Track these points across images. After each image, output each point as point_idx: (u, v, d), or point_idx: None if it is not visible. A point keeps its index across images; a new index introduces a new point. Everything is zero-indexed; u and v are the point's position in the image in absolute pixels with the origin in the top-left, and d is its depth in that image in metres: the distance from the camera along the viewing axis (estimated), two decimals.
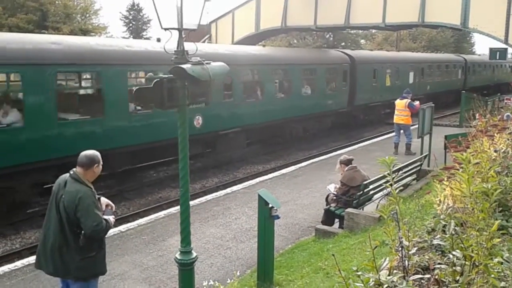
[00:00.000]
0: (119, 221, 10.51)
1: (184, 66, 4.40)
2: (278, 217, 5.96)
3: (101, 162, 4.63)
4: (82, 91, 12.93)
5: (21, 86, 10.06)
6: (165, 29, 4.66)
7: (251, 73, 16.73)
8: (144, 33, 44.55)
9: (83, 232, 4.35)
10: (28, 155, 9.96)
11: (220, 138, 15.24)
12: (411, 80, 27.15)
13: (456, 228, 3.24)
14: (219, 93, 14.46)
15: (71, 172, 4.52)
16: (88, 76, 12.42)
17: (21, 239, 9.95)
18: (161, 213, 9.51)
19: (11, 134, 9.85)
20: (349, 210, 7.47)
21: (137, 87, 4.94)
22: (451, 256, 3.01)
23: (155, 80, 4.67)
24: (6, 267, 6.98)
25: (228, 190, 11.27)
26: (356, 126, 23.21)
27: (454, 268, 2.93)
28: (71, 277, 4.52)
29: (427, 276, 3.13)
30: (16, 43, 10.09)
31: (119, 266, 6.94)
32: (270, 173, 13.68)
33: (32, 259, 7.27)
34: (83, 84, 12.56)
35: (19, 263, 7.12)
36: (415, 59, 29.79)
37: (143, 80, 12.75)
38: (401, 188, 8.74)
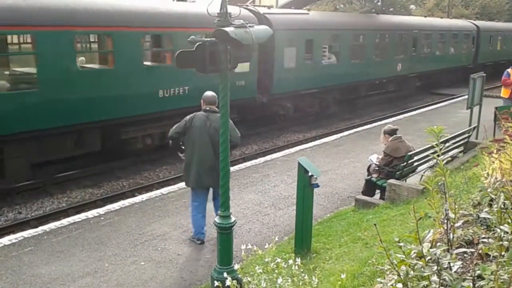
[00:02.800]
0: (161, 184, 10.75)
1: (226, 29, 4.31)
2: (317, 186, 5.89)
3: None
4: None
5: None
6: None
7: (424, 38, 23.72)
8: None
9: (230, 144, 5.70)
10: (333, 81, 17.74)
11: (405, 80, 22.90)
12: None
13: (505, 202, 3.10)
14: (410, 50, 22.32)
15: (208, 108, 6.33)
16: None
17: (67, 198, 10.33)
18: None
19: (332, 67, 17.87)
20: (392, 181, 7.29)
21: (179, 50, 4.89)
22: (498, 230, 2.88)
23: (197, 43, 4.61)
24: (53, 225, 7.26)
25: (268, 157, 11.25)
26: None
27: (500, 242, 2.80)
28: (217, 183, 5.67)
29: (472, 250, 3.02)
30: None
31: (161, 227, 7.11)
32: (311, 141, 13.55)
33: (77, 217, 7.56)
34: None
35: (65, 221, 7.39)
36: None
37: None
38: (449, 159, 8.46)
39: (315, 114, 18.15)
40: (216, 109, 6.22)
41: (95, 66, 11.72)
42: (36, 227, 7.64)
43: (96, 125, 11.02)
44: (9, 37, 10.52)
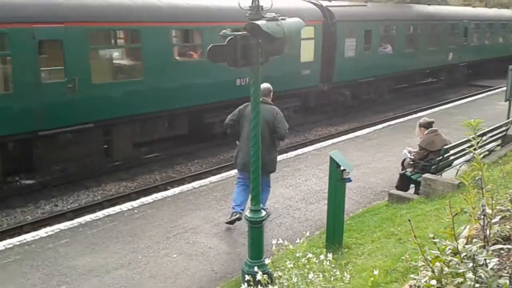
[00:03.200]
0: (192, 178, 10.85)
1: (258, 22, 4.28)
2: (350, 180, 5.81)
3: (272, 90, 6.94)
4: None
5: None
6: None
7: (474, 28, 24.41)
8: None
9: (277, 135, 6.70)
10: (389, 70, 18.78)
11: (456, 68, 23.68)
12: None
13: None
14: (460, 39, 22.97)
15: (260, 99, 6.21)
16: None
17: (102, 191, 10.54)
18: (232, 172, 9.60)
19: (388, 57, 18.77)
20: (427, 175, 7.13)
21: (211, 45, 4.89)
22: None
23: (229, 37, 4.60)
24: (88, 217, 7.43)
25: (299, 151, 11.19)
26: None
27: None
28: (263, 171, 5.90)
29: (509, 246, 2.92)
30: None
31: (192, 220, 7.17)
32: (343, 135, 13.39)
33: (112, 210, 7.71)
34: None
35: (100, 214, 7.55)
36: None
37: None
38: (486, 153, 8.22)
39: (370, 101, 18.95)
40: (269, 100, 6.76)
41: (187, 58, 13.18)
42: (72, 219, 7.83)
43: (185, 110, 12.50)
44: (116, 32, 11.88)
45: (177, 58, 12.53)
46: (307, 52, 14.99)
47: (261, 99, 6.26)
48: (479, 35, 24.89)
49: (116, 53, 11.99)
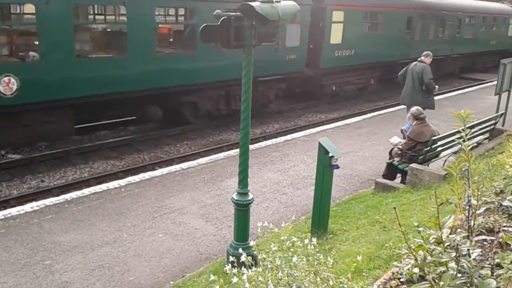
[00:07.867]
0: (181, 159, 10.82)
1: (252, 3, 4.23)
2: (337, 167, 5.82)
3: (431, 56, 10.45)
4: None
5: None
6: None
7: None
8: None
9: (424, 83, 10.03)
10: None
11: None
12: None
13: None
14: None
15: (419, 59, 10.34)
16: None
17: (89, 168, 10.46)
18: (221, 155, 9.64)
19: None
20: (414, 165, 7.17)
21: (204, 24, 4.82)
22: None
23: (222, 18, 4.54)
24: (75, 194, 7.40)
25: (288, 137, 11.20)
26: None
27: None
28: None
29: (492, 238, 2.96)
30: None
31: (179, 201, 7.17)
32: (333, 123, 13.42)
33: (98, 187, 7.68)
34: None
35: (86, 191, 7.52)
36: None
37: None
38: (474, 145, 8.28)
39: None
40: (424, 60, 10.24)
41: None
42: (58, 195, 7.79)
43: (460, 56, 23.86)
44: None
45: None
46: None
47: (419, 59, 10.31)
48: None
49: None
